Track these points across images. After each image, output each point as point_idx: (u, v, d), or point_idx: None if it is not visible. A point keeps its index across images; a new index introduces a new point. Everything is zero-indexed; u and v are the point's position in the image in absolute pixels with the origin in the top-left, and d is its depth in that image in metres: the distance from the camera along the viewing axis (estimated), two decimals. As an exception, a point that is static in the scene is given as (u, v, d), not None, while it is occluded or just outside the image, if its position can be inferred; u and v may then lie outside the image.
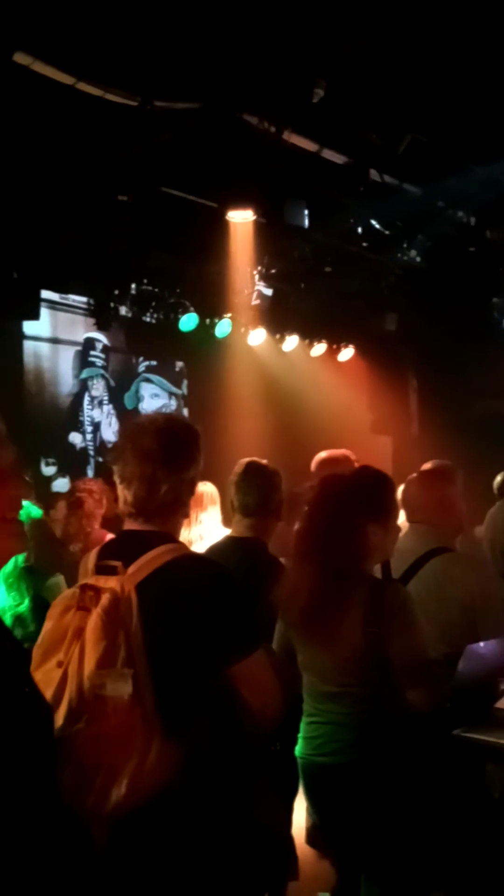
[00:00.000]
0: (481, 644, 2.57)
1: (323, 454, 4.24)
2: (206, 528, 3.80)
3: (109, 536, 3.29)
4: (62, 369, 7.81)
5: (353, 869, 2.66)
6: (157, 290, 6.89)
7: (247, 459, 3.30)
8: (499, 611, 2.95)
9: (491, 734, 2.25)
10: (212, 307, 6.98)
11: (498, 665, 2.48)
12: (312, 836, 2.68)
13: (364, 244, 6.38)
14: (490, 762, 2.23)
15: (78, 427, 7.90)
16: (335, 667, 2.55)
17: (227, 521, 3.59)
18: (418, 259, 6.65)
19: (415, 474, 3.48)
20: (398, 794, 2.47)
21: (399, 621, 2.50)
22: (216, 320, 7.06)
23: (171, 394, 8.58)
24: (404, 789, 2.47)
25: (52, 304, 7.14)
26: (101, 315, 6.71)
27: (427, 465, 3.94)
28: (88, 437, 7.97)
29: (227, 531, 3.40)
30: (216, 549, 3.21)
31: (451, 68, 4.29)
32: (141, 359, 8.38)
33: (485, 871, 2.24)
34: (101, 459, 7.66)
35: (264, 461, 3.30)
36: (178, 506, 1.96)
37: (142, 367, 8.42)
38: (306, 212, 5.62)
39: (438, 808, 2.36)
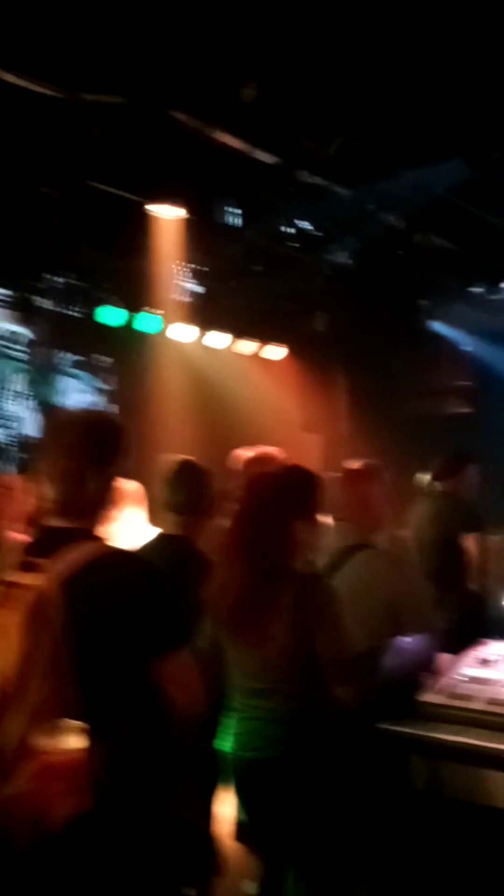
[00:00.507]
0: (405, 639, 2.62)
1: (251, 452, 4.26)
2: (127, 526, 3.77)
3: (20, 535, 3.23)
4: (-17, 363, 7.63)
5: (281, 863, 2.68)
6: (83, 284, 6.80)
7: (178, 457, 3.30)
8: (421, 605, 3.02)
9: (414, 727, 2.29)
10: (140, 303, 6.93)
11: (421, 659, 2.53)
12: (241, 831, 2.69)
13: (294, 245, 6.43)
14: (414, 754, 2.28)
15: (-1, 422, 7.74)
16: (264, 664, 2.57)
17: (154, 520, 3.58)
18: (348, 261, 6.73)
19: (339, 472, 3.53)
20: (326, 788, 2.51)
21: (326, 618, 2.54)
22: (145, 316, 7.00)
23: (97, 389, 8.48)
24: (331, 783, 2.51)
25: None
26: (24, 308, 6.60)
27: (352, 464, 3.99)
28: (11, 432, 7.82)
29: (154, 529, 3.39)
30: (145, 547, 3.20)
31: (383, 73, 4.35)
32: (66, 354, 8.25)
33: (408, 863, 2.28)
34: (24, 455, 7.52)
35: (195, 459, 3.30)
36: (104, 503, 1.94)
37: (67, 363, 8.29)
38: (237, 211, 5.64)
39: (364, 801, 2.40)
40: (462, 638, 2.66)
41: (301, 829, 2.53)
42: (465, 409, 9.12)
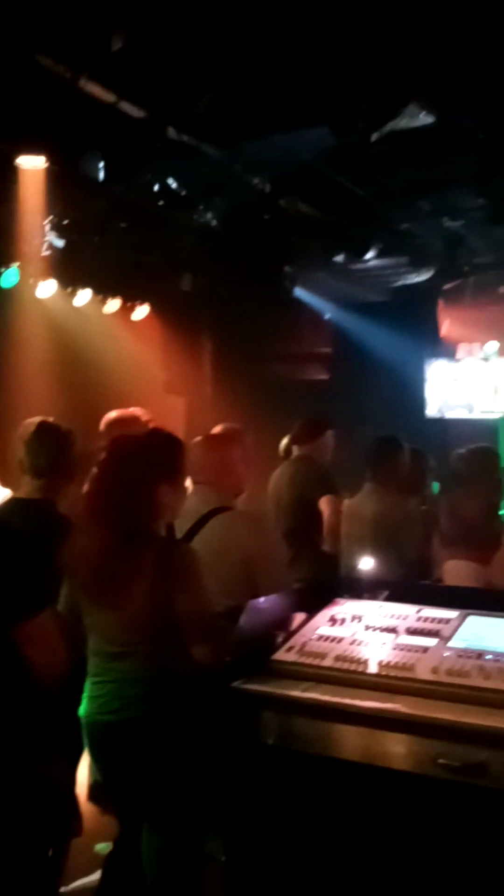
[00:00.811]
0: (261, 599, 2.70)
1: (113, 414, 4.22)
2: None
3: None
4: None
5: (136, 821, 2.74)
6: None
7: (37, 418, 3.23)
8: (277, 566, 3.12)
9: (267, 684, 2.37)
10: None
11: (276, 618, 2.61)
12: (94, 792, 2.72)
13: (161, 202, 6.33)
14: (265, 710, 2.36)
15: None
16: (123, 627, 2.59)
17: (9, 482, 3.50)
18: (214, 222, 6.70)
19: (199, 437, 3.57)
20: (180, 746, 2.57)
21: (187, 580, 2.58)
22: (2, 269, 6.72)
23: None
24: (186, 741, 2.57)
25: None
26: None
27: (215, 429, 4.05)
28: None
29: (5, 491, 3.33)
30: (2, 511, 3.13)
31: (255, 34, 4.32)
32: None
33: (258, 815, 2.38)
34: None
35: (55, 420, 3.24)
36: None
37: None
38: (102, 164, 5.48)
39: (216, 756, 2.48)
40: (315, 597, 2.77)
41: (154, 786, 2.59)
42: (324, 376, 9.36)
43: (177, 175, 6.06)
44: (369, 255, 7.33)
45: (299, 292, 8.50)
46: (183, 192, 6.21)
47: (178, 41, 4.43)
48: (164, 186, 6.12)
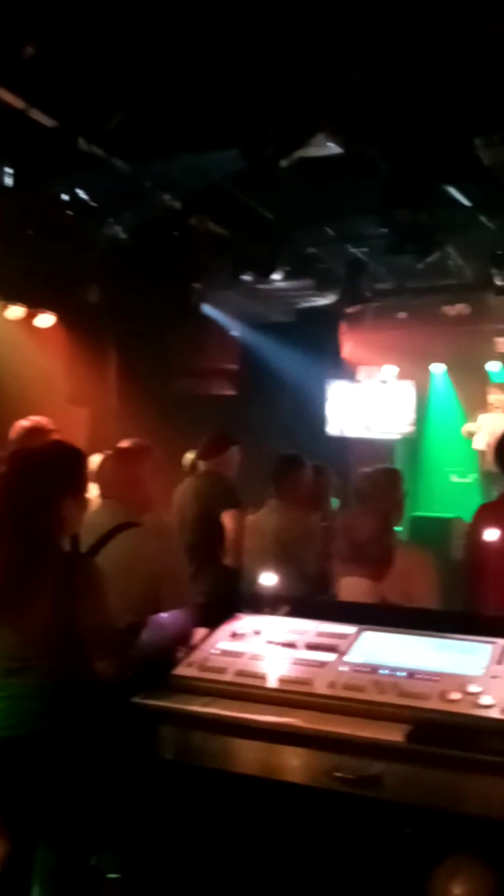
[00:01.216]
0: (163, 614, 2.72)
1: (25, 422, 4.18)
2: None
3: None
4: None
5: (30, 840, 2.69)
6: None
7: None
8: (182, 582, 3.13)
9: (167, 699, 2.39)
10: None
11: (178, 633, 2.63)
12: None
13: (69, 212, 6.28)
14: (164, 725, 2.37)
15: None
16: (22, 643, 2.55)
17: None
18: (123, 235, 6.69)
19: (110, 451, 3.56)
20: (77, 762, 2.55)
21: (90, 595, 2.57)
22: None
23: None
24: (83, 757, 2.55)
25: None
26: None
27: (123, 443, 4.04)
28: None
29: None
30: None
31: (169, 54, 4.36)
32: None
33: (156, 831, 2.38)
34: None
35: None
36: None
37: None
38: (11, 171, 5.41)
39: (114, 772, 2.47)
40: (217, 612, 2.80)
41: (53, 803, 2.56)
42: (230, 392, 9.45)
43: (86, 186, 6.04)
44: (276, 276, 7.46)
45: (207, 309, 8.57)
46: (92, 204, 6.18)
47: (91, 56, 4.43)
48: (74, 197, 6.09)
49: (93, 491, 3.21)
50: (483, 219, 6.03)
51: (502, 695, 2.19)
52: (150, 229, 6.58)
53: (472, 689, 2.23)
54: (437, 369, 10.82)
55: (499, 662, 2.34)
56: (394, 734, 2.15)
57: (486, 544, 3.57)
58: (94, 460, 3.54)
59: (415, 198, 5.61)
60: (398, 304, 9.00)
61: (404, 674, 2.33)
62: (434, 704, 2.21)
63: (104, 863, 2.64)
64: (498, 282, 7.64)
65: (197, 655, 2.54)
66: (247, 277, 7.53)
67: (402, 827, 2.25)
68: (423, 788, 2.12)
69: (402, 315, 9.09)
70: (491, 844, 2.13)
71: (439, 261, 7.32)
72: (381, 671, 2.37)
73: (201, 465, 5.15)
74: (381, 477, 3.52)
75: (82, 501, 3.02)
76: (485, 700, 2.18)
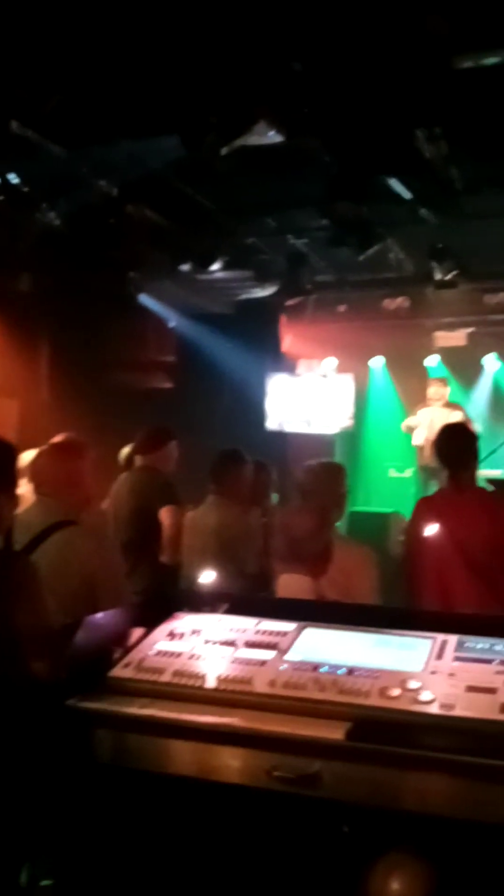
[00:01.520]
0: (99, 614, 2.65)
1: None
2: None
3: None
4: None
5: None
6: None
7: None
8: (118, 582, 3.06)
9: (103, 701, 2.32)
10: None
11: (114, 634, 2.57)
12: None
13: (1, 198, 6.11)
14: (101, 728, 2.31)
15: None
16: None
17: None
18: (58, 222, 6.54)
19: (45, 446, 3.46)
20: (8, 766, 2.47)
21: (25, 594, 2.49)
22: None
23: None
24: (14, 761, 2.47)
25: None
26: None
27: (58, 438, 3.94)
28: None
29: None
30: None
31: (108, 43, 4.27)
32: None
33: (91, 835, 2.32)
34: None
35: None
36: None
37: None
38: None
39: (47, 776, 2.40)
40: (154, 611, 2.74)
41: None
42: (167, 385, 9.36)
43: (20, 171, 5.88)
44: (215, 266, 7.40)
45: (144, 299, 8.46)
46: (25, 189, 6.03)
47: (28, 37, 4.30)
48: (6, 182, 5.92)
49: (22, 487, 3.11)
50: (423, 213, 6.06)
51: (441, 690, 2.19)
52: (85, 217, 6.45)
53: (412, 685, 2.22)
54: (377, 363, 10.91)
55: (438, 658, 2.33)
56: (334, 732, 2.13)
57: (426, 539, 3.59)
58: (27, 456, 3.43)
59: (356, 191, 5.62)
60: (338, 297, 9.03)
61: (344, 671, 2.31)
62: (374, 701, 2.19)
63: (37, 869, 2.57)
64: (437, 276, 7.72)
65: (134, 656, 2.48)
66: (185, 268, 7.45)
67: (341, 825, 2.24)
68: (362, 786, 2.10)
69: (342, 308, 9.13)
70: (428, 840, 2.12)
71: (380, 254, 7.36)
72: (321, 668, 2.34)
73: (138, 460, 5.06)
74: (323, 472, 3.50)
75: (13, 497, 2.92)
76: (424, 696, 2.17)
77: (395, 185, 5.71)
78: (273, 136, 4.87)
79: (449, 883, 2.08)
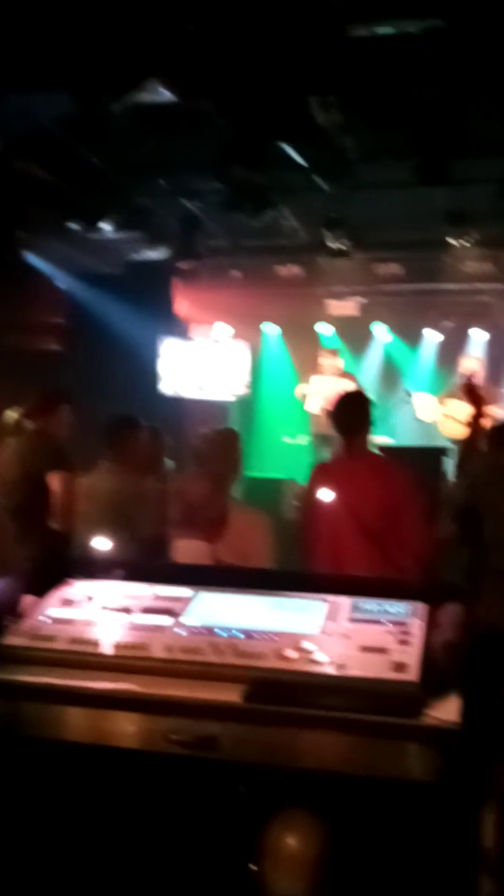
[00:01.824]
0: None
1: None
2: None
3: None
4: None
5: None
6: None
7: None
8: (6, 548, 2.98)
9: (-3, 672, 2.27)
10: None
11: (3, 602, 2.50)
12: None
13: None
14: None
15: None
16: None
17: None
18: None
19: None
20: None
21: None
22: None
23: None
24: None
25: None
26: None
27: None
28: None
29: None
30: None
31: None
32: None
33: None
34: None
35: None
36: None
37: None
38: None
39: None
40: (46, 578, 2.68)
41: None
42: (57, 347, 9.12)
43: None
44: (105, 226, 7.23)
45: (31, 258, 8.18)
46: None
47: None
48: None
49: None
50: (318, 181, 6.08)
51: (336, 651, 2.24)
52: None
53: (307, 646, 2.26)
54: (271, 330, 10.96)
55: (332, 619, 2.38)
56: (231, 695, 2.15)
57: (321, 504, 3.65)
58: None
59: (251, 156, 5.58)
60: (232, 262, 9.00)
61: (241, 634, 2.33)
62: (270, 663, 2.22)
63: None
64: (330, 244, 7.78)
65: (26, 624, 2.42)
66: (74, 227, 7.25)
67: (238, 786, 2.27)
68: (259, 747, 2.13)
69: (236, 274, 9.10)
70: (323, 797, 2.18)
71: (274, 221, 7.36)
72: (217, 632, 2.36)
73: (28, 425, 4.92)
74: (219, 438, 3.50)
75: None
76: (319, 657, 2.22)
77: (291, 152, 5.70)
78: (166, 96, 4.77)
79: (343, 837, 2.15)
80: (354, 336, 10.79)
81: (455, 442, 8.71)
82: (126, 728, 2.22)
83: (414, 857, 2.15)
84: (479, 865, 1.93)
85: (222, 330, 10.03)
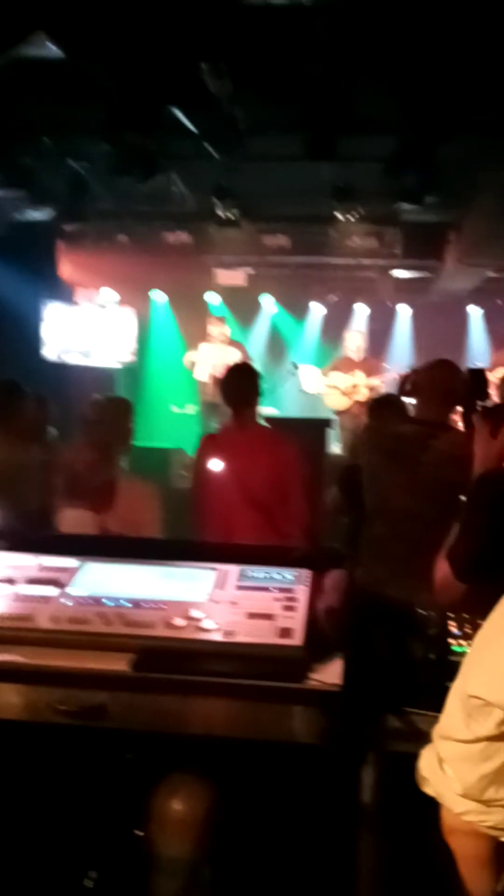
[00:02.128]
0: None
1: None
2: None
3: None
4: None
5: None
6: None
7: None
8: None
9: None
10: None
11: None
12: None
13: None
14: None
15: None
16: None
17: None
18: None
19: None
20: None
21: None
22: None
23: None
24: None
25: None
26: None
27: None
28: None
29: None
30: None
31: None
32: None
33: None
34: None
35: None
36: None
37: None
38: None
39: None
40: None
41: None
42: None
43: None
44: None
45: None
46: None
47: None
48: None
49: None
50: (208, 149, 6.03)
51: (223, 618, 2.27)
52: None
53: (195, 614, 2.29)
54: (159, 298, 10.85)
55: (220, 587, 2.42)
56: (119, 664, 2.16)
57: (210, 474, 3.67)
58: None
59: (140, 120, 5.47)
60: (119, 227, 8.83)
61: (129, 604, 2.34)
62: (159, 632, 2.24)
63: None
64: (219, 213, 7.75)
65: None
66: None
67: (126, 753, 2.30)
68: (147, 714, 2.16)
69: (123, 238, 8.94)
70: (210, 761, 2.23)
71: (163, 187, 7.26)
72: (105, 602, 2.35)
73: None
74: (110, 407, 3.46)
75: None
76: (207, 624, 2.25)
77: (182, 118, 5.62)
78: (53, 52, 4.62)
79: (230, 800, 2.21)
80: (242, 307, 10.83)
81: (338, 413, 8.93)
82: (12, 699, 2.19)
83: (298, 815, 2.24)
84: (359, 821, 2.03)
85: (108, 295, 9.84)
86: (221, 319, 9.47)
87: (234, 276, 9.98)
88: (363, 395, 8.70)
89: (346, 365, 9.10)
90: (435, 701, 1.40)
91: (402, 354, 10.30)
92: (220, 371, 4.16)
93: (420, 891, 1.42)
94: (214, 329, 9.23)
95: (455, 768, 1.31)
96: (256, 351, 10.38)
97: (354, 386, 8.95)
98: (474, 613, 2.03)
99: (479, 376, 2.22)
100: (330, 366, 9.24)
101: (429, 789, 1.38)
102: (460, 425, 2.76)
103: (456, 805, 1.32)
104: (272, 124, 5.85)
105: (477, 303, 10.71)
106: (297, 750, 2.03)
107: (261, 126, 5.83)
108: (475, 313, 10.82)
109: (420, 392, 3.42)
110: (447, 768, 1.33)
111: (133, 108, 5.34)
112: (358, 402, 8.68)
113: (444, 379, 3.38)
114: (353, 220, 7.74)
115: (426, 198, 6.42)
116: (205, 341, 9.28)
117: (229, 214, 7.80)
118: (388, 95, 5.29)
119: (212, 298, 10.57)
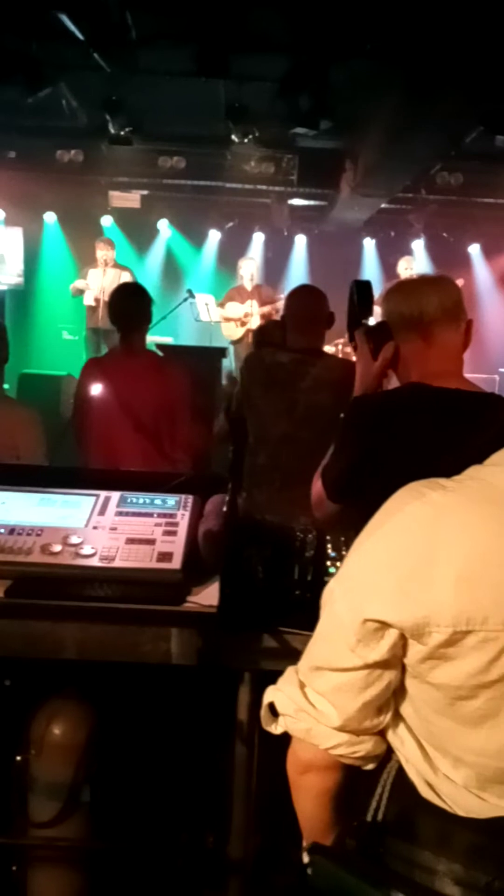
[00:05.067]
0: None
1: None
2: None
3: None
4: None
5: None
6: None
7: None
8: None
9: None
10: None
11: None
12: None
13: None
14: None
15: None
16: None
17: None
18: None
19: None
20: None
21: None
22: None
23: None
24: None
25: None
26: None
27: None
28: None
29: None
30: None
31: None
32: None
33: None
34: None
35: None
36: None
37: None
38: None
39: None
40: None
41: None
42: None
43: None
44: None
45: None
46: None
47: None
48: None
49: None
50: (98, 59, 5.72)
51: (102, 543, 2.25)
52: None
53: (74, 539, 2.26)
54: (50, 219, 10.42)
55: (100, 514, 2.39)
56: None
57: (94, 399, 3.58)
58: None
59: (23, 24, 5.13)
60: (6, 141, 8.36)
61: (4, 530, 2.28)
62: (35, 558, 2.20)
63: None
64: (111, 129, 7.44)
65: None
66: None
67: (2, 679, 2.27)
68: (23, 640, 2.12)
69: (10, 154, 8.49)
70: (87, 684, 2.23)
71: (52, 101, 6.89)
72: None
73: None
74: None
75: None
76: (85, 550, 2.23)
77: (68, 23, 5.29)
78: None
79: (109, 722, 2.22)
80: (137, 230, 10.54)
81: (233, 343, 8.89)
82: None
83: (177, 735, 2.27)
84: (234, 737, 2.07)
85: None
86: (108, 242, 9.16)
87: (129, 198, 9.67)
88: (256, 324, 8.67)
89: (240, 293, 9.02)
90: (309, 620, 1.41)
91: (297, 283, 10.27)
92: (107, 296, 4.02)
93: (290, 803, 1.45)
94: (99, 253, 8.94)
95: (334, 700, 1.28)
96: (152, 279, 10.16)
97: (247, 315, 8.90)
98: (351, 534, 2.06)
99: (364, 290, 2.18)
100: (225, 296, 9.14)
101: (291, 728, 1.33)
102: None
103: (328, 740, 1.28)
104: (161, 35, 5.60)
105: (371, 234, 10.74)
106: (176, 671, 2.05)
107: (150, 36, 5.57)
108: (369, 245, 10.86)
109: (289, 320, 3.42)
110: (321, 702, 1.30)
111: (14, 9, 5.00)
112: (251, 331, 8.65)
113: (308, 305, 3.39)
114: (248, 142, 7.56)
115: (321, 122, 6.31)
116: (92, 266, 8.99)
117: (122, 132, 7.50)
118: (280, 13, 5.13)
119: (105, 221, 10.23)
